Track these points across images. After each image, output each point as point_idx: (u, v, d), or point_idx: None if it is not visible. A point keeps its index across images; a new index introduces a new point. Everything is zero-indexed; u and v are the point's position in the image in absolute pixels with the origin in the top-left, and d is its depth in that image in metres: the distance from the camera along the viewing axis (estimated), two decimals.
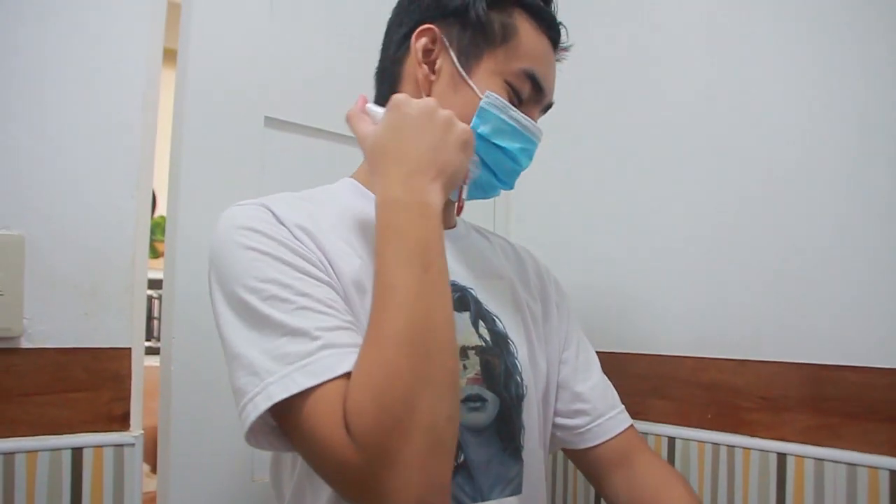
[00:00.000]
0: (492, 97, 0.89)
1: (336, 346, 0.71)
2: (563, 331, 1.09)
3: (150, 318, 1.07)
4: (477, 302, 0.94)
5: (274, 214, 0.81)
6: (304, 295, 0.74)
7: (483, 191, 0.96)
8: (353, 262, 0.83)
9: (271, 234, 0.78)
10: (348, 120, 0.88)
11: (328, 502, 0.82)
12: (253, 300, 0.74)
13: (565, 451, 1.10)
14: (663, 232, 1.39)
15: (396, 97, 0.81)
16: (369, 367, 0.68)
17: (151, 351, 1.21)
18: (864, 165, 1.14)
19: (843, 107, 1.17)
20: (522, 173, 0.97)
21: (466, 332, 0.91)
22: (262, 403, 0.70)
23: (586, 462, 1.06)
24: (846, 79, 1.17)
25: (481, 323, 0.93)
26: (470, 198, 0.94)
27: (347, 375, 0.69)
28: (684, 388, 1.32)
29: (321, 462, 0.70)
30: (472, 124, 0.88)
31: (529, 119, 0.92)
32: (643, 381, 1.37)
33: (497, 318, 0.96)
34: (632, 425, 1.07)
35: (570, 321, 1.11)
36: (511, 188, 0.98)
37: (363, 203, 0.91)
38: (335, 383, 0.69)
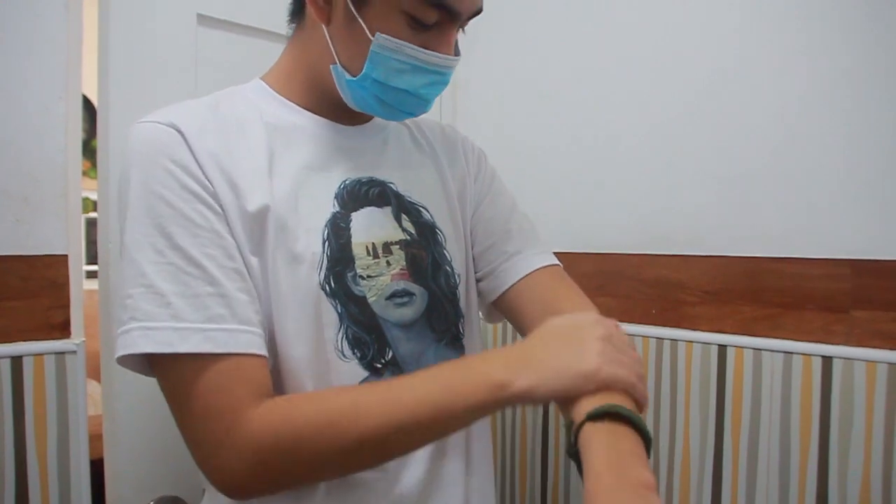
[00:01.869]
0: (381, 39, 0.80)
1: (184, 319, 0.72)
2: (477, 194, 1.03)
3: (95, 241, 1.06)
4: (398, 196, 0.92)
5: (184, 138, 0.77)
6: (177, 249, 0.73)
7: (391, 118, 0.91)
8: (260, 194, 0.80)
9: (171, 169, 0.75)
10: None
11: None
12: (131, 241, 0.74)
13: (498, 309, 1.01)
14: (610, 129, 1.39)
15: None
16: (323, 411, 0.72)
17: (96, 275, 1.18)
18: (804, 69, 1.15)
19: (785, 10, 1.17)
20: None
21: (389, 226, 0.89)
22: (116, 350, 0.74)
23: (509, 313, 0.98)
24: None
25: (404, 216, 0.91)
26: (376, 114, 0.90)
27: (188, 355, 0.72)
28: (630, 284, 1.34)
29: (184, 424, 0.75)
30: (365, 69, 0.82)
31: (433, 53, 0.82)
32: (589, 279, 1.39)
33: (423, 208, 0.93)
34: (552, 265, 0.98)
35: (483, 184, 1.05)
36: (425, 112, 0.90)
37: (277, 109, 0.88)
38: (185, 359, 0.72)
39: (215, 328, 0.73)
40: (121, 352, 0.72)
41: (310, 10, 0.86)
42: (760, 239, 1.19)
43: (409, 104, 0.86)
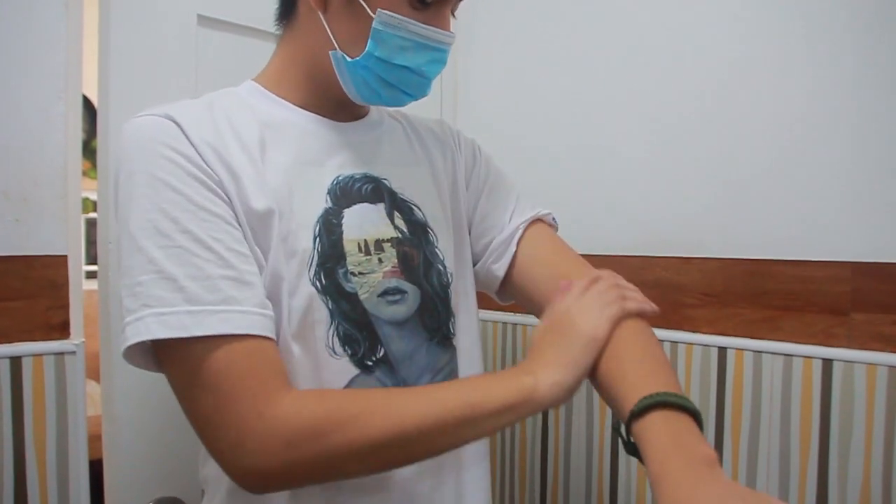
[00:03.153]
0: (384, 16, 0.80)
1: (198, 302, 0.71)
2: (474, 191, 1.04)
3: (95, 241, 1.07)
4: (391, 192, 0.92)
5: (181, 130, 0.77)
6: (186, 232, 0.73)
7: (392, 104, 0.91)
8: (262, 193, 0.80)
9: (173, 158, 0.75)
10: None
11: None
12: (136, 228, 0.73)
13: (506, 294, 1.03)
14: (611, 132, 1.39)
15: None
16: (355, 404, 0.73)
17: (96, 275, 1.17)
18: (806, 71, 1.14)
19: (788, 12, 1.16)
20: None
21: (381, 224, 0.89)
22: (126, 340, 0.72)
23: (521, 295, 1.00)
24: None
25: (397, 214, 0.91)
26: (376, 104, 0.92)
27: (206, 338, 0.71)
28: None
29: (195, 405, 0.73)
30: (368, 48, 0.82)
31: (433, 28, 0.84)
32: None
33: (415, 206, 0.93)
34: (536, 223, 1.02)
35: (479, 180, 1.05)
36: (424, 95, 0.91)
37: (269, 107, 0.89)
38: (205, 342, 0.71)
39: (232, 310, 0.72)
40: (132, 339, 0.71)
41: (303, 2, 0.86)
42: (761, 241, 1.19)
43: (411, 83, 0.86)
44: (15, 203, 1.07)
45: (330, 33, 0.84)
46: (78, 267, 1.12)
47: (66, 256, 1.11)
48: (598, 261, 1.37)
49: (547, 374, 0.76)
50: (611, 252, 1.37)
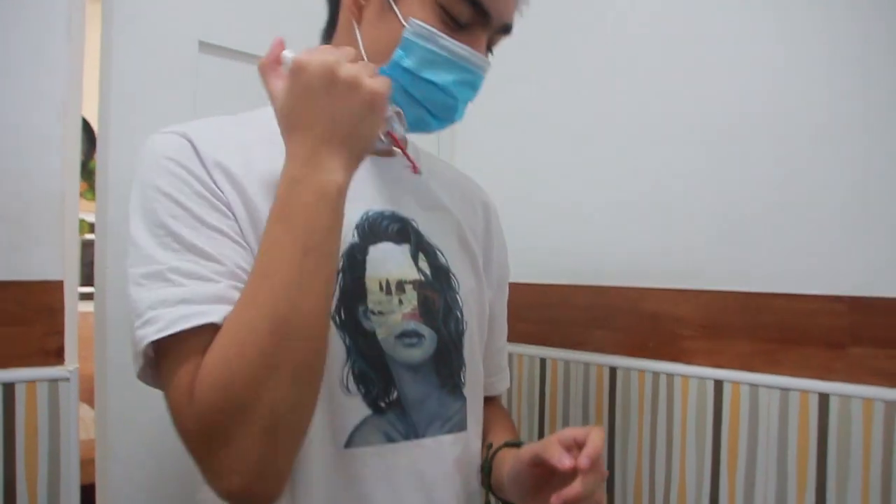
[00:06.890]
0: (415, 25, 0.80)
1: (194, 301, 0.70)
2: (496, 279, 1.07)
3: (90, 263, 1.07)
4: (418, 234, 0.91)
5: (195, 149, 0.77)
6: (191, 246, 0.73)
7: (418, 128, 0.89)
8: None
9: (181, 175, 0.76)
10: (260, 71, 0.76)
11: None
12: (146, 236, 0.74)
13: None
14: (609, 164, 1.39)
15: (298, 60, 0.71)
16: (226, 343, 0.67)
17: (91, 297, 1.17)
18: (804, 106, 1.15)
19: (789, 50, 1.17)
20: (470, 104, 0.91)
21: (406, 265, 0.88)
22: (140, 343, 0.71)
23: None
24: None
25: (421, 256, 0.90)
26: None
27: (198, 330, 0.69)
28: (626, 318, 1.34)
29: (171, 416, 0.70)
30: (395, 56, 0.81)
31: (467, 48, 0.82)
32: (586, 311, 1.39)
33: (440, 251, 0.93)
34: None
35: (502, 274, 1.10)
36: (452, 122, 0.89)
37: None
38: (188, 337, 0.69)
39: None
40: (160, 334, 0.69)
41: (342, 17, 0.87)
42: (758, 274, 1.19)
43: (437, 102, 0.84)
44: (12, 228, 1.06)
45: (361, 45, 0.84)
46: (74, 292, 1.12)
47: (62, 282, 1.10)
48: (594, 291, 1.38)
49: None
50: (607, 283, 1.37)
